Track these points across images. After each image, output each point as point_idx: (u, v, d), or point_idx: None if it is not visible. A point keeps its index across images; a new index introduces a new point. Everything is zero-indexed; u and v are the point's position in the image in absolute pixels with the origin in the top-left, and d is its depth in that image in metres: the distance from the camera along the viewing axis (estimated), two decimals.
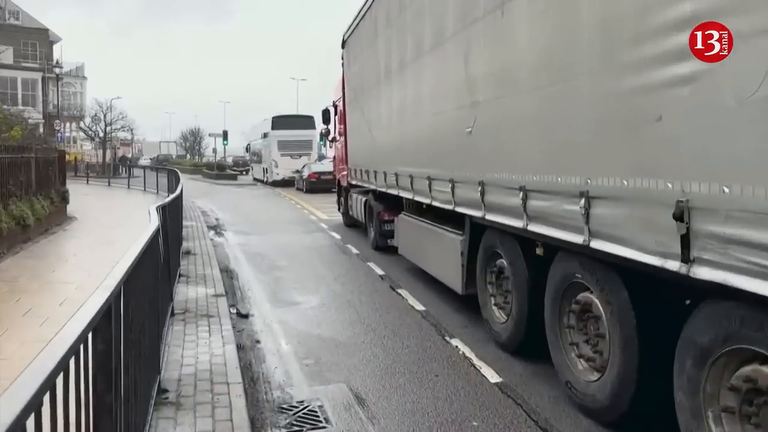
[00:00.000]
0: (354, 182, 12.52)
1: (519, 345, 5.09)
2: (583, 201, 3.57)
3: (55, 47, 53.21)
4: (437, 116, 6.64)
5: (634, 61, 3.17)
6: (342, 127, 13.99)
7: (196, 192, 27.93)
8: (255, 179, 40.48)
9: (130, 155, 73.35)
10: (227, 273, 8.84)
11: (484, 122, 5.26)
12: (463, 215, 5.97)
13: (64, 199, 13.44)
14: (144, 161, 71.49)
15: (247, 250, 11.22)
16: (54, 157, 13.30)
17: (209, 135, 44.81)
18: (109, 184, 29.58)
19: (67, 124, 47.37)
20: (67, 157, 46.38)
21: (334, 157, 15.66)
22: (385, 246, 10.18)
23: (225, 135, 43.06)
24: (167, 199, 7.45)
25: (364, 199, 11.55)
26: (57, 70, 50.92)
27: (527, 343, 4.95)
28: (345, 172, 13.80)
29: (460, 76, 5.75)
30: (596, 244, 3.50)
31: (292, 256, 10.54)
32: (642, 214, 3.13)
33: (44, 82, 47.89)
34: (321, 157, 35.46)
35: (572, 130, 3.82)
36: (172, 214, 6.80)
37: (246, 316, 6.61)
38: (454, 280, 6.34)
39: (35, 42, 50.06)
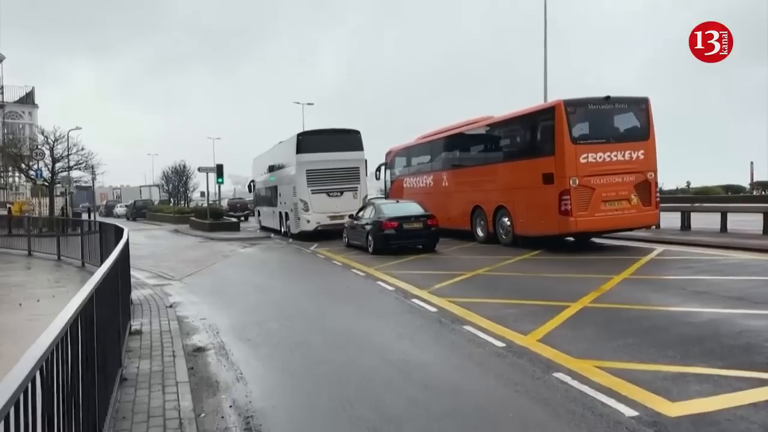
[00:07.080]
0: None
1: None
2: None
3: None
4: None
5: None
6: None
7: (180, 261, 15.58)
8: (263, 228, 28.09)
9: (102, 201, 60.25)
10: None
11: None
12: None
13: None
14: (120, 209, 59.01)
15: None
16: None
17: (199, 170, 32.43)
18: (29, 254, 17.18)
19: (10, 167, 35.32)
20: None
21: None
22: None
23: (220, 171, 29.72)
24: None
25: None
26: None
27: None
28: None
29: None
30: None
31: None
32: None
33: None
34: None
35: None
36: None
37: None
38: None
39: None
